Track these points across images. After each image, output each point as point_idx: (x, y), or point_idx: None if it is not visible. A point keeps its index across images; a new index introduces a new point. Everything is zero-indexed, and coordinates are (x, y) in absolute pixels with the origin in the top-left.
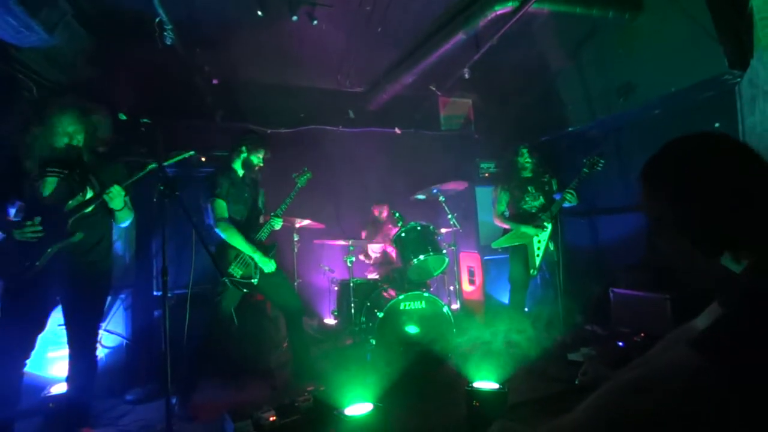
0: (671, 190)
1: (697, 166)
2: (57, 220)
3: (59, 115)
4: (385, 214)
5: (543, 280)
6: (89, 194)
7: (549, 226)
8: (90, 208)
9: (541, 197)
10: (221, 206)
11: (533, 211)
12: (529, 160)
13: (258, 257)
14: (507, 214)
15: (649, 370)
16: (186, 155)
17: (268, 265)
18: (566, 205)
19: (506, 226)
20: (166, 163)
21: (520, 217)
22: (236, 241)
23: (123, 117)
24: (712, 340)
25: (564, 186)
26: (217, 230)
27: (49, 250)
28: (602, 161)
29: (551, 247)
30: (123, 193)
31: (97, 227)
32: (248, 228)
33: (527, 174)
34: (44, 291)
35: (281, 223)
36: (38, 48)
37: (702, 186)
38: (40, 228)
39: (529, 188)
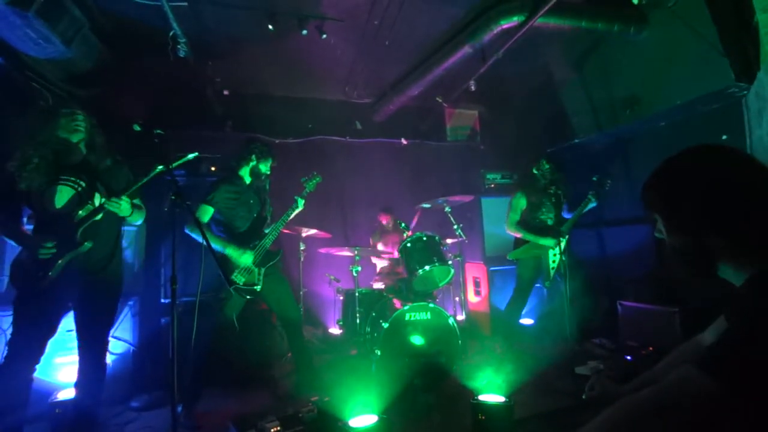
0: (671, 199)
1: (698, 176)
2: (66, 229)
3: (62, 119)
4: (391, 222)
5: (550, 292)
6: (98, 201)
7: (564, 240)
8: (99, 216)
9: (555, 210)
10: (203, 211)
11: (549, 222)
12: (547, 167)
13: (231, 251)
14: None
15: (658, 390)
16: (190, 157)
17: (244, 258)
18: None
19: (519, 235)
20: (171, 166)
21: (535, 228)
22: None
23: (137, 128)
24: (720, 361)
25: (569, 198)
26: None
27: (60, 261)
28: (609, 181)
29: (564, 259)
30: (128, 201)
31: (106, 234)
32: (252, 233)
33: (543, 186)
34: (57, 296)
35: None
36: (55, 60)
37: (701, 196)
38: (54, 250)
39: (544, 200)
